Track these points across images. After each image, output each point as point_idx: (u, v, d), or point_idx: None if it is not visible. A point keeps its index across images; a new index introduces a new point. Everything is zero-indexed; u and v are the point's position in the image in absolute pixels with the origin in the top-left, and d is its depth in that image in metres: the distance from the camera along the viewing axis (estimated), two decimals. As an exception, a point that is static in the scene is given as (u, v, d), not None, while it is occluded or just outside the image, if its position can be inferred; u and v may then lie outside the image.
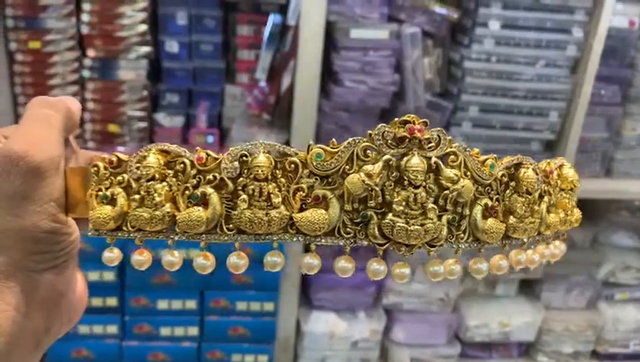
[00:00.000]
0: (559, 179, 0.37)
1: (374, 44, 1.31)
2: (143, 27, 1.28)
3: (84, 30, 1.28)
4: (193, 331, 1.46)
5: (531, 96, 1.37)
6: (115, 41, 1.29)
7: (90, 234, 0.34)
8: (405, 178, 0.31)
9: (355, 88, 1.32)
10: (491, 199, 0.33)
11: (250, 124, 1.41)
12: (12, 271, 0.33)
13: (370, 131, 0.31)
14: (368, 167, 0.31)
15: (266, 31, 1.34)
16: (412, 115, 0.32)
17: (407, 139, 0.31)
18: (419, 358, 1.59)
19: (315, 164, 0.31)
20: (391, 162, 0.31)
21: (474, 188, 0.32)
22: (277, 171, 0.31)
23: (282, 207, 0.31)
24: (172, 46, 1.33)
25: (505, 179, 0.34)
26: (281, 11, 1.34)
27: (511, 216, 0.34)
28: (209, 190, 0.31)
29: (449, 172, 0.31)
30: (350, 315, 1.56)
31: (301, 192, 0.31)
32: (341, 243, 0.32)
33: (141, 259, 0.34)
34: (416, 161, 0.31)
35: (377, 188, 0.31)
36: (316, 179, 0.31)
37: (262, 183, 0.31)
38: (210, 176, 0.31)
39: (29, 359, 0.35)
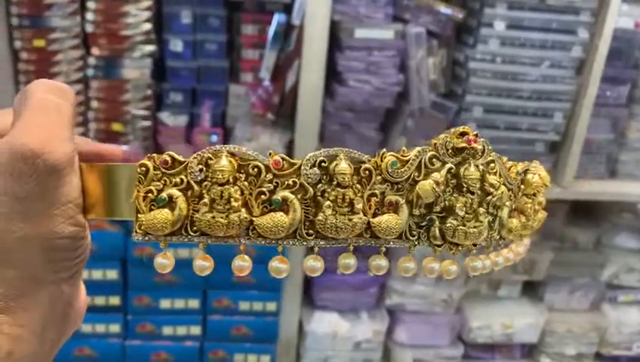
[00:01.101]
0: (523, 184, 0.38)
1: (379, 44, 1.30)
2: (148, 26, 1.28)
3: (89, 29, 1.28)
4: (196, 330, 1.46)
5: (536, 97, 1.37)
6: (119, 40, 1.29)
7: (136, 239, 0.31)
8: (464, 185, 0.33)
9: (359, 88, 1.32)
10: (512, 202, 0.36)
11: (254, 124, 1.41)
12: (26, 286, 0.29)
13: (434, 141, 0.33)
14: (436, 175, 0.33)
15: (271, 30, 1.34)
16: (466, 127, 0.34)
17: (465, 150, 0.33)
18: (421, 359, 1.59)
19: (390, 171, 0.32)
20: (452, 170, 0.33)
21: (508, 193, 0.36)
22: (354, 178, 0.32)
23: (362, 213, 0.32)
24: (176, 45, 1.33)
25: (519, 185, 0.37)
26: (285, 11, 1.34)
27: (522, 216, 0.37)
28: (290, 195, 0.31)
29: (492, 179, 0.34)
30: (353, 316, 1.56)
31: (375, 198, 0.33)
32: (406, 246, 0.33)
33: (204, 264, 0.32)
34: (473, 169, 0.33)
35: (442, 195, 0.33)
36: (388, 185, 0.33)
37: (345, 190, 0.32)
38: (290, 181, 0.31)
39: None
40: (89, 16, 1.27)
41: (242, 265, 0.32)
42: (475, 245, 0.35)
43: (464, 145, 0.33)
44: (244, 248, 0.32)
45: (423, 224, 0.33)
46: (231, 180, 0.31)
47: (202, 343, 1.47)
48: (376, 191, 0.33)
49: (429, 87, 1.36)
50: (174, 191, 0.31)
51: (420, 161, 0.33)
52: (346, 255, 0.33)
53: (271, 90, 1.38)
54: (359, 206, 0.32)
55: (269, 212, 0.31)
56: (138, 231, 0.31)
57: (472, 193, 0.33)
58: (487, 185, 0.34)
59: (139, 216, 0.31)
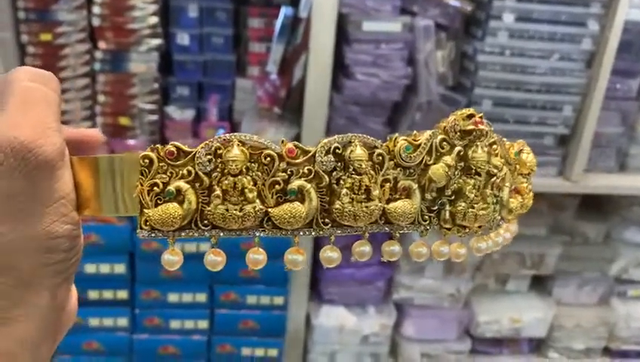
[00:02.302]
0: (518, 164, 0.38)
1: (387, 36, 1.29)
2: (154, 19, 1.28)
3: (95, 22, 1.28)
4: (203, 324, 1.46)
5: (545, 90, 1.36)
6: (126, 34, 1.28)
7: (142, 236, 0.29)
8: (473, 167, 0.33)
9: (367, 81, 1.31)
10: (511, 182, 0.36)
11: (261, 118, 1.40)
12: (20, 295, 0.26)
13: (443, 124, 0.33)
14: (447, 158, 0.33)
15: (278, 23, 1.33)
16: (471, 109, 0.33)
17: (473, 132, 0.33)
18: (429, 353, 1.59)
19: (403, 156, 0.32)
20: (461, 153, 0.33)
21: (511, 174, 0.36)
22: (368, 163, 0.32)
23: (377, 199, 0.32)
24: (183, 38, 1.32)
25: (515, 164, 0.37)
26: (292, 4, 1.33)
27: (518, 195, 0.37)
28: (306, 184, 0.30)
29: (496, 160, 0.34)
30: (360, 310, 1.55)
31: (389, 183, 0.32)
32: (419, 230, 0.33)
33: (216, 259, 0.31)
34: (480, 152, 0.33)
35: (452, 178, 0.33)
36: (400, 170, 0.32)
37: (361, 177, 0.31)
38: (305, 170, 0.30)
39: None
40: (96, 9, 1.27)
41: (257, 258, 0.31)
42: (480, 227, 0.35)
43: (472, 127, 0.33)
44: (258, 241, 0.31)
45: (435, 208, 0.33)
46: (244, 170, 0.30)
47: (210, 337, 1.47)
48: (390, 177, 0.32)
49: (438, 80, 1.35)
50: (182, 184, 0.29)
51: (432, 145, 0.33)
52: (361, 242, 0.33)
53: (278, 84, 1.37)
54: (376, 192, 0.31)
55: (284, 202, 0.30)
56: (144, 227, 0.29)
57: (480, 175, 0.33)
58: (491, 167, 0.34)
59: (144, 211, 0.29)
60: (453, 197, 0.33)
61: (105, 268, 1.38)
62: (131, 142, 1.36)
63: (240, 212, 0.30)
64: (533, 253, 1.55)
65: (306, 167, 0.31)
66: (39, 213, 0.26)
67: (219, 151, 0.30)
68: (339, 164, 0.31)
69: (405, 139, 0.32)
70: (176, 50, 1.34)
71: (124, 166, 0.30)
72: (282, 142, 0.30)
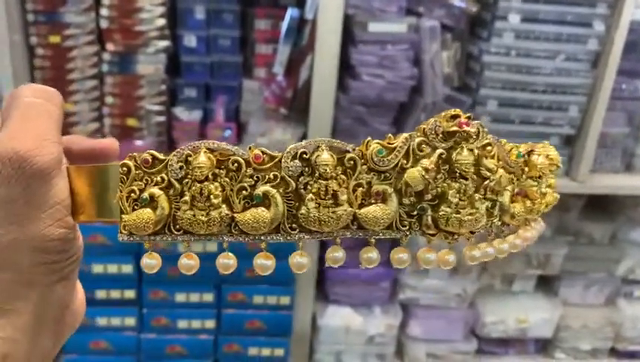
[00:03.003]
0: (527, 166, 0.36)
1: (392, 37, 1.30)
2: (162, 21, 1.29)
3: (103, 24, 1.29)
4: (210, 324, 1.47)
5: (551, 90, 1.36)
6: (133, 36, 1.29)
7: (121, 239, 0.31)
8: (457, 170, 0.32)
9: (372, 82, 1.32)
10: (514, 185, 0.35)
11: (268, 118, 1.41)
12: (19, 289, 0.29)
13: (422, 126, 0.32)
14: (425, 161, 0.31)
15: (284, 25, 1.34)
16: (457, 109, 0.33)
17: (457, 133, 0.32)
18: (435, 354, 1.59)
19: (375, 159, 0.31)
20: (443, 155, 0.32)
21: (508, 177, 0.34)
22: (338, 168, 0.31)
23: (346, 204, 0.31)
24: (190, 40, 1.33)
25: (523, 167, 0.35)
26: (298, 5, 1.34)
27: (526, 200, 0.36)
28: (271, 190, 0.31)
29: (489, 162, 0.32)
30: (366, 310, 1.56)
31: (361, 188, 0.31)
32: (397, 236, 0.32)
33: (190, 263, 0.32)
34: (465, 154, 0.32)
35: (433, 182, 0.32)
36: (374, 174, 0.32)
37: (328, 182, 0.31)
38: (271, 175, 0.31)
39: None
40: (103, 11, 1.28)
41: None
42: (472, 233, 0.33)
43: (455, 128, 0.32)
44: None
45: (414, 213, 0.32)
46: (210, 176, 0.31)
47: (217, 337, 1.48)
48: (363, 181, 0.31)
49: (443, 80, 1.36)
50: (155, 190, 0.31)
51: (408, 148, 0.32)
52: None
53: (284, 85, 1.38)
54: (343, 197, 0.31)
55: (250, 207, 0.31)
56: (123, 231, 0.31)
57: (466, 178, 0.32)
58: (483, 170, 0.32)
59: (122, 216, 0.31)
60: (435, 202, 0.32)
61: (112, 268, 1.39)
62: (139, 143, 1.37)
63: (206, 217, 0.30)
64: (539, 253, 1.55)
65: (273, 173, 0.31)
66: (35, 218, 0.29)
67: (189, 159, 0.30)
68: (306, 169, 0.31)
69: (378, 143, 0.31)
70: (184, 51, 1.35)
71: (112, 174, 0.32)
72: (249, 148, 0.31)
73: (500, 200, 0.34)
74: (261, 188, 0.31)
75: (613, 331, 1.63)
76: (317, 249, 1.36)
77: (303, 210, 0.31)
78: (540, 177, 0.37)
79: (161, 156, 0.31)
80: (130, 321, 1.45)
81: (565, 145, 1.42)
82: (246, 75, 1.41)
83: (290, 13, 1.33)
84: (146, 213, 0.30)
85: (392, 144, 0.32)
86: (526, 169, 0.36)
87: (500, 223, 0.35)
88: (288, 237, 0.31)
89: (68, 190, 0.30)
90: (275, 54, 1.36)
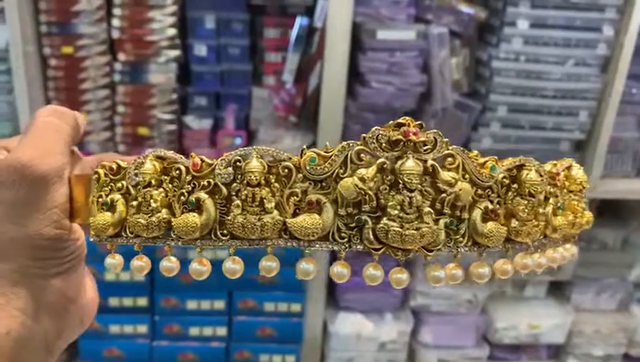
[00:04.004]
0: (567, 181, 0.36)
1: (401, 44, 1.31)
2: (172, 31, 1.30)
3: (115, 35, 1.30)
4: (222, 331, 1.48)
5: (561, 95, 1.36)
6: (144, 45, 1.31)
7: (91, 239, 0.34)
8: (400, 181, 0.30)
9: (381, 89, 1.32)
10: (492, 202, 0.32)
11: (277, 126, 1.42)
12: (19, 278, 0.33)
13: (364, 135, 0.31)
14: (362, 171, 0.30)
15: (293, 33, 1.35)
16: (407, 118, 0.31)
17: (401, 142, 0.31)
18: (446, 360, 1.58)
19: (308, 168, 0.31)
20: (385, 165, 0.31)
21: (472, 191, 0.32)
22: (271, 176, 0.31)
23: (275, 212, 0.31)
24: (200, 49, 1.35)
25: (506, 182, 0.33)
26: (307, 13, 1.35)
27: (513, 220, 0.33)
28: (203, 196, 0.31)
29: (446, 175, 0.31)
30: (377, 316, 1.56)
31: (295, 197, 0.31)
32: (336, 249, 0.31)
33: (141, 264, 0.34)
34: (411, 164, 0.30)
35: (371, 193, 0.30)
36: (310, 183, 0.31)
37: (255, 189, 0.31)
38: (205, 182, 0.32)
39: None
40: (115, 22, 1.29)
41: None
42: (430, 251, 0.31)
43: (400, 137, 0.30)
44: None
45: (352, 225, 0.31)
46: (154, 183, 0.32)
47: (228, 344, 1.49)
48: (297, 190, 0.31)
49: (452, 87, 1.36)
50: (116, 196, 0.33)
51: (346, 157, 0.31)
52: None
53: (294, 93, 1.39)
54: (270, 205, 0.31)
55: (187, 213, 0.32)
56: (92, 233, 0.33)
57: (411, 190, 0.30)
58: (439, 182, 0.31)
59: (90, 219, 0.33)
60: (377, 214, 0.31)
61: (125, 276, 1.40)
62: (150, 151, 1.38)
63: (146, 221, 0.32)
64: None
65: (207, 180, 0.32)
66: (34, 218, 0.32)
67: (141, 167, 0.33)
68: (239, 176, 0.31)
69: (314, 151, 0.31)
70: (194, 61, 1.36)
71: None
72: (191, 155, 0.32)
73: (465, 216, 0.32)
74: (195, 195, 0.32)
75: (626, 337, 1.62)
76: (327, 256, 1.36)
77: (229, 216, 0.31)
78: (580, 191, 0.36)
79: (124, 164, 0.33)
80: (143, 329, 1.46)
81: (576, 151, 1.42)
82: (256, 84, 1.42)
83: (300, 21, 1.34)
84: (105, 216, 0.33)
85: (329, 153, 0.31)
86: (567, 183, 0.36)
87: (470, 244, 0.32)
88: (220, 243, 0.32)
89: (67, 196, 0.34)
90: (285, 62, 1.37)
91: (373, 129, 0.31)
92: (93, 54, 1.31)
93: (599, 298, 1.62)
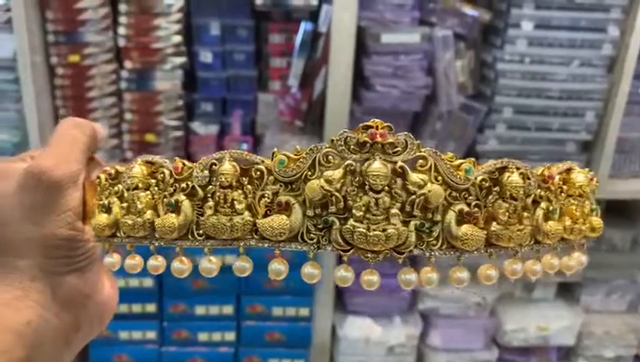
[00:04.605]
0: (566, 185, 0.35)
1: (405, 48, 1.31)
2: (178, 38, 1.31)
3: (121, 43, 1.31)
4: (230, 336, 1.48)
5: (566, 96, 1.35)
6: (150, 53, 1.32)
7: (94, 240, 0.37)
8: (367, 183, 0.31)
9: (386, 93, 1.33)
10: (469, 205, 0.32)
11: (283, 131, 1.43)
12: (37, 273, 0.36)
13: (332, 137, 0.31)
14: (329, 173, 0.31)
15: (298, 38, 1.35)
16: (376, 120, 0.32)
17: (368, 144, 0.31)
18: (456, 363, 1.58)
19: (277, 170, 0.32)
20: (352, 167, 0.31)
21: (445, 193, 0.31)
22: (244, 179, 0.32)
23: (246, 213, 0.32)
24: (206, 56, 1.35)
25: (486, 184, 0.32)
26: (311, 19, 1.35)
27: (494, 223, 0.32)
28: (182, 198, 0.33)
29: (415, 176, 0.31)
30: (386, 320, 1.56)
31: (266, 198, 0.32)
32: (305, 249, 0.32)
33: (133, 263, 0.35)
34: (377, 166, 0.31)
35: (338, 194, 0.31)
36: (281, 185, 0.32)
37: (227, 190, 0.32)
38: (184, 185, 0.33)
39: (60, 355, 0.38)
40: (121, 30, 1.30)
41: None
42: (401, 253, 0.31)
43: (366, 139, 0.31)
44: (154, 249, 0.34)
45: (321, 226, 0.31)
46: (141, 185, 0.34)
47: (237, 349, 1.49)
48: (268, 192, 0.32)
49: (458, 89, 1.36)
50: (113, 199, 0.35)
51: (315, 159, 0.31)
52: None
53: (299, 98, 1.39)
54: (240, 206, 0.32)
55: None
56: (93, 233, 0.36)
57: (377, 191, 0.30)
58: (409, 184, 0.31)
59: (92, 221, 0.36)
60: (345, 215, 0.31)
61: (134, 282, 1.41)
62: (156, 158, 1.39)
63: (132, 221, 0.34)
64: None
65: (186, 182, 0.33)
66: (50, 220, 0.35)
67: (129, 171, 0.35)
68: (213, 179, 0.32)
69: (284, 154, 0.32)
70: (200, 67, 1.37)
71: None
72: (175, 160, 0.34)
73: (438, 218, 0.32)
74: (175, 197, 0.33)
75: (636, 338, 1.61)
76: (334, 260, 1.36)
77: (203, 217, 0.33)
78: (580, 195, 0.35)
79: (121, 169, 0.35)
80: (152, 334, 1.46)
81: (582, 151, 1.41)
82: (261, 89, 1.42)
83: (304, 26, 1.34)
84: (102, 217, 0.35)
85: (298, 155, 0.32)
86: (565, 187, 0.35)
87: (445, 247, 0.32)
88: (196, 243, 0.33)
89: (80, 200, 0.36)
90: (290, 67, 1.38)
91: (342, 131, 0.31)
92: (99, 62, 1.32)
93: (609, 299, 1.61)
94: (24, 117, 1.29)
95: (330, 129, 1.31)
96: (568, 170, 0.35)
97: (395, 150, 0.31)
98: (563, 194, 0.35)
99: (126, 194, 0.35)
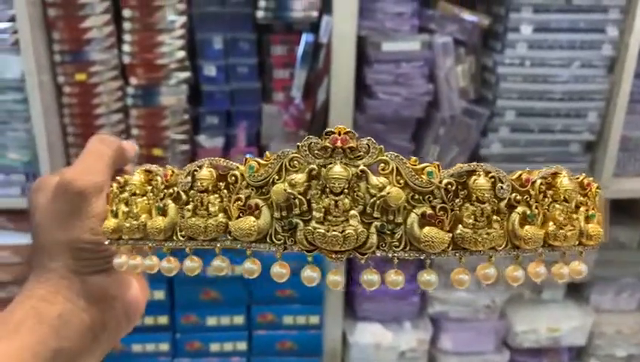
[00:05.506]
0: (551, 189, 0.34)
1: (406, 55, 1.32)
2: (182, 54, 1.33)
3: (126, 60, 1.34)
4: (242, 346, 1.49)
5: (568, 97, 1.36)
6: (155, 69, 1.34)
7: (107, 242, 0.39)
8: (327, 186, 0.32)
9: (389, 100, 1.34)
10: (434, 208, 0.32)
11: (288, 141, 1.44)
12: (66, 273, 0.40)
13: (298, 143, 0.33)
14: (293, 176, 0.32)
15: (300, 50, 1.37)
16: (340, 126, 0.33)
17: (330, 149, 0.32)
18: (467, 366, 1.58)
19: (247, 175, 0.34)
20: (314, 172, 0.32)
21: (406, 196, 0.32)
22: (221, 183, 0.35)
23: (220, 215, 0.34)
24: (210, 70, 1.37)
25: (452, 188, 0.32)
26: (312, 30, 1.37)
27: (460, 226, 0.32)
28: (168, 202, 0.36)
29: (375, 179, 0.32)
30: (396, 325, 1.56)
31: (239, 202, 0.34)
32: (273, 249, 0.33)
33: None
34: (337, 170, 0.32)
35: (301, 197, 0.32)
36: (252, 189, 0.34)
37: (203, 194, 0.34)
38: (172, 190, 0.36)
39: (89, 350, 0.41)
40: (126, 48, 1.32)
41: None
42: (363, 254, 0.32)
43: (327, 144, 0.32)
44: (149, 249, 0.37)
45: (287, 227, 0.33)
46: (138, 192, 0.38)
47: (249, 358, 1.50)
48: (242, 196, 0.34)
49: (459, 94, 1.37)
50: (120, 205, 0.38)
51: (282, 165, 0.33)
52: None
53: (302, 108, 1.41)
54: (214, 209, 0.34)
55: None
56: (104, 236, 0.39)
57: (337, 194, 0.32)
58: (370, 187, 0.32)
59: (103, 225, 0.39)
60: (308, 217, 0.32)
61: (145, 295, 1.42)
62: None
63: (129, 224, 0.37)
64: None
65: (173, 188, 0.36)
66: (76, 226, 0.40)
67: (128, 180, 0.39)
68: (194, 183, 0.35)
69: (255, 160, 0.34)
70: (204, 81, 1.39)
71: None
72: (166, 167, 0.37)
73: (400, 221, 0.32)
74: (163, 201, 0.36)
75: (647, 336, 1.61)
76: (344, 267, 1.37)
77: (183, 219, 0.35)
78: (565, 200, 0.34)
79: (129, 179, 0.39)
80: (164, 347, 1.48)
81: (586, 152, 1.42)
82: (265, 100, 1.44)
83: (305, 38, 1.36)
84: (111, 222, 0.38)
85: (268, 161, 0.34)
86: (550, 192, 0.34)
87: (409, 249, 0.32)
88: (180, 244, 0.35)
89: (104, 207, 0.40)
90: (293, 78, 1.39)
91: (306, 137, 0.33)
92: (105, 80, 1.35)
93: (619, 298, 1.61)
94: (33, 136, 1.31)
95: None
96: (554, 175, 0.34)
97: (358, 155, 0.32)
98: (547, 198, 0.34)
99: (130, 201, 0.38)
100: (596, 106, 1.37)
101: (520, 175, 0.34)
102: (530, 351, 1.61)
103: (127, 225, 0.37)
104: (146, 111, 1.37)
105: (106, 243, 0.39)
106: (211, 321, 1.47)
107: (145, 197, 0.37)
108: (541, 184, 0.34)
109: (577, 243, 0.35)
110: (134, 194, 0.38)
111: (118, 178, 0.39)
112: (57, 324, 0.39)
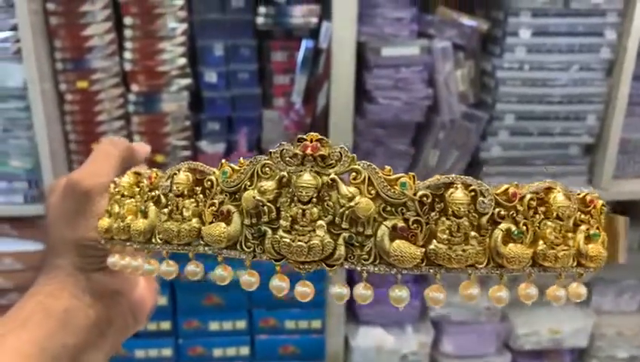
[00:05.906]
0: (543, 206, 0.32)
1: (406, 60, 1.33)
2: (183, 60, 1.34)
3: (127, 67, 1.34)
4: (244, 351, 1.49)
5: (567, 101, 1.37)
6: (156, 76, 1.35)
7: (103, 242, 0.40)
8: (296, 194, 0.31)
9: (389, 105, 1.35)
10: (407, 221, 0.30)
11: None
12: (72, 270, 0.42)
13: (270, 150, 0.32)
14: (262, 183, 0.31)
15: (300, 55, 1.38)
16: (312, 133, 0.32)
17: (300, 156, 0.31)
18: (469, 369, 1.59)
19: (220, 181, 0.33)
20: (284, 179, 0.31)
21: (377, 207, 0.31)
22: (197, 188, 0.34)
23: (194, 220, 0.34)
24: (211, 76, 1.38)
25: (428, 200, 0.30)
26: (312, 36, 1.38)
27: (433, 240, 0.31)
28: (150, 205, 0.36)
29: (345, 189, 0.31)
30: (398, 329, 1.57)
31: (213, 207, 0.33)
32: (243, 257, 0.33)
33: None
34: (306, 178, 0.31)
35: (270, 204, 0.31)
36: (226, 195, 0.33)
37: (179, 198, 0.34)
38: (154, 193, 0.36)
39: (95, 345, 0.42)
40: (127, 55, 1.33)
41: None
42: (330, 265, 0.31)
43: (297, 151, 0.31)
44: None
45: (256, 235, 0.32)
46: (127, 193, 0.38)
47: (252, 363, 1.51)
48: (216, 201, 0.33)
49: (459, 98, 1.38)
50: (114, 206, 0.39)
51: (254, 171, 0.32)
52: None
53: (303, 113, 1.42)
54: (188, 213, 0.34)
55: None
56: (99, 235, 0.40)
57: (304, 203, 0.31)
58: (340, 197, 0.30)
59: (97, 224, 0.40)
60: (276, 226, 0.31)
61: (148, 301, 1.43)
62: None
63: (118, 225, 0.38)
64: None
65: (155, 191, 0.36)
66: (81, 224, 0.41)
67: (118, 183, 0.40)
68: (172, 187, 0.35)
69: (229, 165, 0.33)
70: (205, 87, 1.40)
71: None
72: (152, 170, 0.37)
73: (370, 233, 0.31)
74: (146, 203, 0.36)
75: (649, 338, 1.61)
76: (344, 274, 1.38)
77: (160, 223, 0.35)
78: (558, 218, 0.32)
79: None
80: (167, 352, 1.48)
81: (585, 154, 1.43)
82: (266, 106, 1.45)
83: (305, 44, 1.37)
84: (104, 222, 0.39)
85: (241, 167, 0.33)
86: (541, 209, 0.32)
87: (379, 262, 0.31)
88: (157, 247, 0.35)
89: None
90: (293, 84, 1.40)
91: (279, 144, 0.32)
92: (107, 87, 1.35)
93: (620, 299, 1.62)
94: (36, 144, 1.32)
95: (335, 142, 1.32)
96: (548, 190, 0.32)
97: (329, 163, 0.31)
98: (538, 215, 0.32)
99: (120, 203, 0.39)
100: (595, 109, 1.37)
101: (507, 189, 0.31)
102: (531, 353, 1.62)
103: (116, 225, 0.38)
104: (148, 117, 1.38)
105: (102, 242, 0.40)
106: (214, 326, 1.47)
107: (133, 199, 0.38)
108: (531, 199, 0.31)
109: (575, 264, 0.33)
110: (123, 195, 0.38)
111: (114, 179, 0.40)
112: (64, 319, 0.40)
